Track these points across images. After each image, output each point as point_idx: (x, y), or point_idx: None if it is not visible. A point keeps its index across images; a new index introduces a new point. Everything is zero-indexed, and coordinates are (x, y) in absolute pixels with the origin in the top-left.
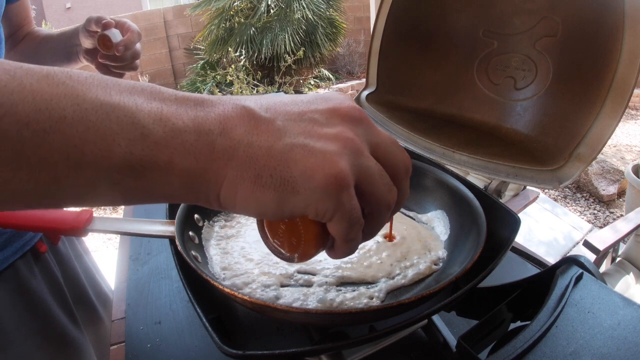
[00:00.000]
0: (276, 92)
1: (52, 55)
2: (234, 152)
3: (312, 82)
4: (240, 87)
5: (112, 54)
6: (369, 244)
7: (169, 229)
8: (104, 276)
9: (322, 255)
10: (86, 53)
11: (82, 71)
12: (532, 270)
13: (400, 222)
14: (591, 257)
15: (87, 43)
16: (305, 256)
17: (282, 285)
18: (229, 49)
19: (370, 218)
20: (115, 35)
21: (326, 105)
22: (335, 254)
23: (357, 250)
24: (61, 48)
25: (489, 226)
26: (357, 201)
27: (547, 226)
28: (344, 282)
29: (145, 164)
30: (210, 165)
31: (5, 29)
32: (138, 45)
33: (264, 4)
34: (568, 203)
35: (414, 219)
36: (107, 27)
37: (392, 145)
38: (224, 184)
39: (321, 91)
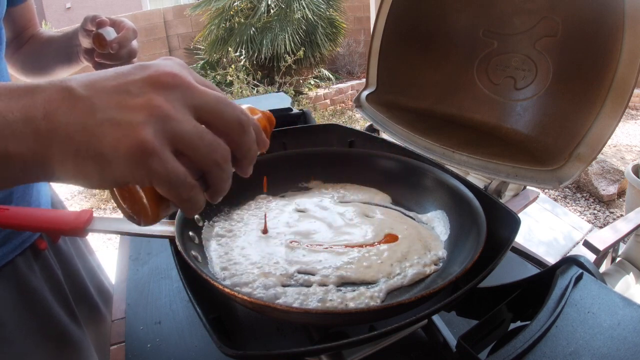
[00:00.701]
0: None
1: (54, 57)
2: (55, 133)
3: (312, 82)
4: (240, 87)
5: (107, 52)
6: (370, 244)
7: (169, 229)
8: (108, 275)
9: (322, 255)
10: (85, 53)
11: None
12: (532, 270)
13: (401, 222)
14: (591, 257)
15: (85, 42)
16: (150, 218)
17: (282, 285)
18: (229, 49)
19: (207, 176)
20: (110, 33)
21: (141, 75)
22: (184, 212)
23: (357, 250)
24: (63, 49)
25: (489, 226)
26: (175, 164)
27: (547, 226)
28: (344, 282)
29: None
30: (39, 147)
31: (10, 31)
32: (134, 43)
33: (264, 4)
34: (568, 203)
35: (414, 219)
36: (101, 26)
37: (218, 104)
38: (54, 162)
39: (321, 91)
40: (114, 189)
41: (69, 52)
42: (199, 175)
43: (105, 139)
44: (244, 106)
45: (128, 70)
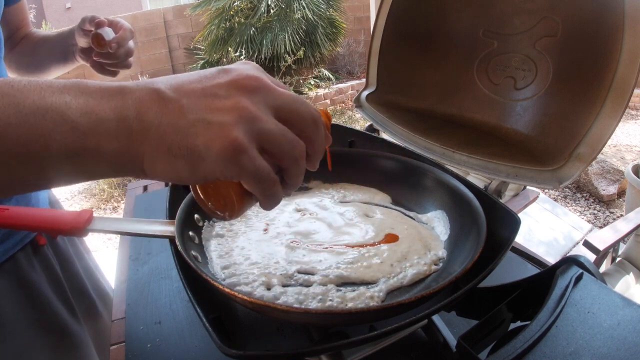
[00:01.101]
0: None
1: (49, 55)
2: (148, 132)
3: (312, 82)
4: None
5: (106, 51)
6: (369, 245)
7: (169, 229)
8: (105, 275)
9: (322, 255)
10: (82, 52)
11: (22, 78)
12: (532, 270)
13: (401, 222)
14: (591, 257)
15: (82, 42)
16: (235, 211)
17: (282, 285)
18: (229, 49)
19: (286, 172)
20: (108, 33)
21: (226, 79)
22: (263, 206)
23: (357, 250)
24: (58, 48)
25: (489, 226)
26: (261, 161)
27: (547, 226)
28: (344, 282)
29: (78, 150)
30: (131, 145)
31: (4, 31)
32: (131, 43)
33: (264, 4)
34: (568, 203)
35: (414, 219)
36: (100, 26)
37: (294, 104)
38: (145, 159)
39: (321, 91)
40: (197, 187)
41: (65, 51)
42: (277, 170)
43: (199, 138)
44: None
45: (212, 74)
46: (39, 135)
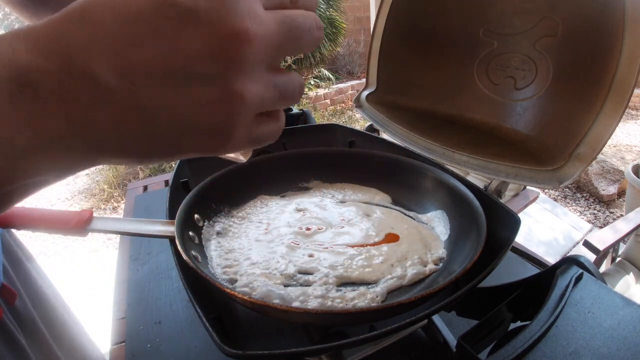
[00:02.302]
0: None
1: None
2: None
3: (312, 82)
4: None
5: None
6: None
7: (169, 229)
8: (55, 289)
9: (323, 255)
10: None
11: None
12: (532, 270)
13: (401, 222)
14: (591, 257)
15: None
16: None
17: (283, 285)
18: None
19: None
20: None
21: (199, 43)
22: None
23: (358, 250)
24: None
25: (489, 226)
26: (266, 127)
27: (547, 226)
28: (344, 282)
29: None
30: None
31: None
32: None
33: None
34: (568, 203)
35: (414, 219)
36: None
37: (289, 35)
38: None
39: (321, 91)
40: None
41: None
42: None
43: (193, 150)
44: None
45: (168, 24)
46: None
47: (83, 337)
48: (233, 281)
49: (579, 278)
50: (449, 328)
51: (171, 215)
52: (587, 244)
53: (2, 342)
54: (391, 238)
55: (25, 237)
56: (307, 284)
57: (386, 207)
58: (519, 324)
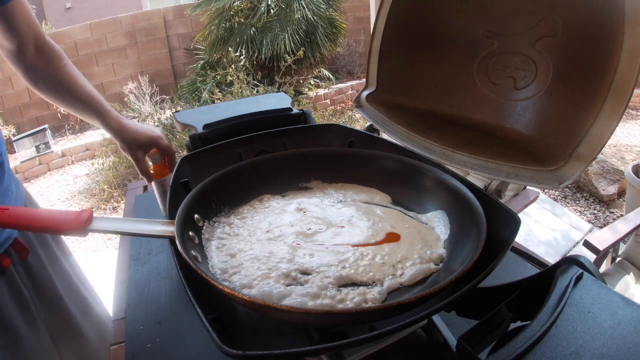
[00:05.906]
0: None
1: (76, 108)
2: None
3: (312, 82)
4: (240, 87)
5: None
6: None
7: (169, 229)
8: (86, 279)
9: (323, 255)
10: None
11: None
12: (532, 270)
13: (401, 222)
14: (591, 257)
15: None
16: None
17: (283, 285)
18: (229, 49)
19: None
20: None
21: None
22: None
23: (358, 250)
24: (87, 112)
25: (489, 226)
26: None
27: (547, 226)
28: (344, 282)
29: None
30: None
31: (10, 40)
32: None
33: (264, 4)
34: (568, 203)
35: (414, 219)
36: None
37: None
38: None
39: (321, 91)
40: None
41: (96, 117)
42: None
43: None
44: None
45: None
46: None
47: (96, 299)
48: (233, 281)
49: (579, 278)
50: (449, 328)
51: (171, 215)
52: (587, 244)
53: (8, 291)
54: (392, 238)
55: None
56: (308, 283)
57: (386, 207)
58: (519, 324)
